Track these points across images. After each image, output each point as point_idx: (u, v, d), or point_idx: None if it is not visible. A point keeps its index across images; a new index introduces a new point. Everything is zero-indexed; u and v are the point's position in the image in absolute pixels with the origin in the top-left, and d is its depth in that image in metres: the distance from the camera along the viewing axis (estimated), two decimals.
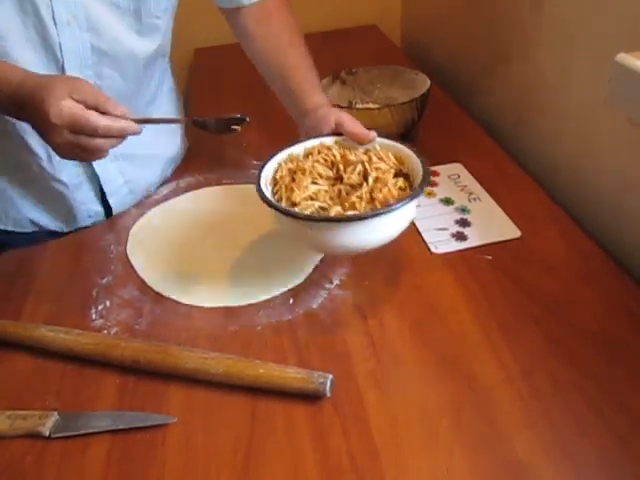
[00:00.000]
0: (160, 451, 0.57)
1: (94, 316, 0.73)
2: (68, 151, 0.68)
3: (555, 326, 0.67)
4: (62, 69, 0.78)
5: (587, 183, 0.88)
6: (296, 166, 0.70)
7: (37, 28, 0.74)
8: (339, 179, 0.69)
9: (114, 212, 0.94)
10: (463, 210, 0.86)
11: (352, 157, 0.70)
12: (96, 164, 0.89)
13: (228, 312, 0.73)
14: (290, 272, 0.78)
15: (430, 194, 0.91)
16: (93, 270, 0.81)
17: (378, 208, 0.63)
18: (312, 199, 0.66)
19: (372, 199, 0.65)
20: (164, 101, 1.00)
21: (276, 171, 0.71)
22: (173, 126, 1.05)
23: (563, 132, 0.94)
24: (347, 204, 0.65)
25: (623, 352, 0.63)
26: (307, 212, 0.64)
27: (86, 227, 0.93)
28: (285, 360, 0.65)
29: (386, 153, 0.70)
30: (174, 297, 0.76)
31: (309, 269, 0.78)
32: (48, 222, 0.93)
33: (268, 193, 0.66)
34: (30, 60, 0.75)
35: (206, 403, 0.62)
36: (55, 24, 0.75)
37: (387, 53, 1.49)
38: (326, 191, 0.67)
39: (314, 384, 0.59)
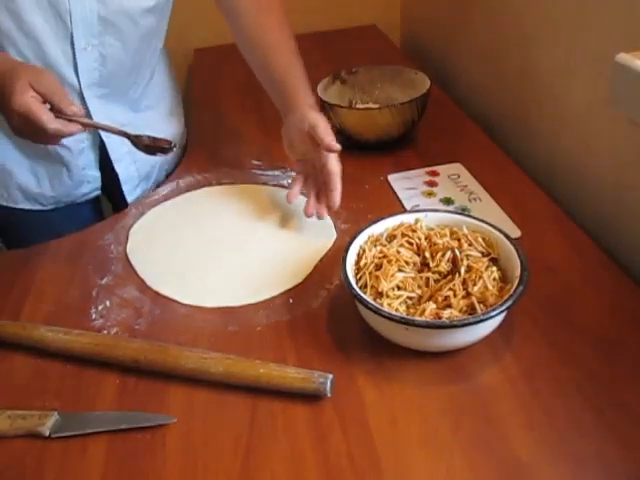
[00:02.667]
0: (160, 451, 0.57)
1: (94, 316, 0.73)
2: (22, 135, 0.74)
3: (555, 326, 0.67)
4: (71, 36, 0.82)
5: (587, 183, 0.88)
6: (380, 252, 0.67)
7: None
8: (426, 265, 0.67)
9: (121, 179, 0.99)
10: (463, 210, 0.86)
11: (439, 240, 0.68)
12: (101, 132, 0.93)
13: (228, 312, 0.73)
14: (290, 272, 0.78)
15: (430, 194, 0.91)
16: (93, 270, 0.81)
17: (475, 306, 0.61)
18: (399, 288, 0.65)
19: (467, 293, 0.63)
20: (159, 84, 1.04)
21: (359, 256, 0.68)
22: (172, 110, 1.10)
23: (563, 132, 0.94)
24: (439, 298, 0.63)
25: (623, 352, 0.63)
26: (398, 305, 0.63)
27: (79, 203, 1.01)
28: (285, 360, 0.65)
29: (475, 237, 0.68)
30: (174, 297, 0.76)
31: (309, 269, 0.78)
32: (44, 189, 0.96)
33: (355, 284, 0.63)
34: (40, 26, 0.80)
35: (206, 403, 0.62)
36: None
37: (387, 53, 1.49)
38: (413, 279, 0.65)
39: (314, 384, 0.59)
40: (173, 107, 1.11)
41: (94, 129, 0.82)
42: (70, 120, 0.72)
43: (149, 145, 0.80)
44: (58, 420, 0.60)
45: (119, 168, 0.98)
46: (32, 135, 0.73)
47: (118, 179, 1.00)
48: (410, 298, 0.65)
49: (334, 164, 0.80)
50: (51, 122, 0.70)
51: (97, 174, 0.99)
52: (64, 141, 0.86)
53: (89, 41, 0.84)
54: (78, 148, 0.93)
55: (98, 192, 1.03)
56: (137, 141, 0.80)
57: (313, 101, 0.85)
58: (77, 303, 0.76)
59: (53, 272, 0.82)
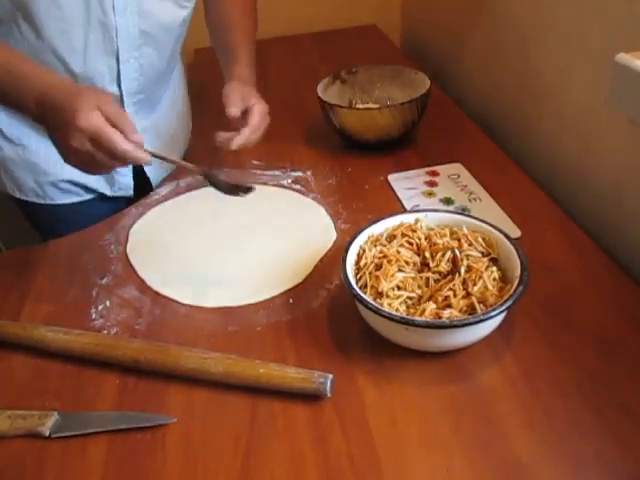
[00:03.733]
0: (160, 451, 0.57)
1: (94, 316, 0.73)
2: (77, 158, 0.68)
3: (555, 326, 0.67)
4: (116, 49, 0.87)
5: (587, 183, 0.88)
6: (380, 252, 0.67)
7: (99, 17, 0.82)
8: (426, 265, 0.67)
9: (154, 184, 1.04)
10: (463, 210, 0.86)
11: (439, 240, 0.68)
12: None
13: (228, 312, 0.73)
14: (290, 272, 0.78)
15: (430, 194, 0.91)
16: (93, 270, 0.81)
17: (475, 306, 0.61)
18: (399, 288, 0.65)
19: (467, 293, 0.63)
20: (175, 85, 1.09)
21: (359, 256, 0.68)
22: (185, 108, 1.14)
23: (563, 132, 0.94)
24: (439, 298, 0.63)
25: (623, 352, 0.63)
26: (398, 305, 0.63)
27: (110, 198, 1.02)
28: (285, 360, 0.65)
29: (475, 237, 0.68)
30: (174, 297, 0.76)
31: (309, 269, 0.78)
32: (90, 181, 0.99)
33: (355, 284, 0.63)
34: (90, 43, 0.84)
35: (206, 403, 0.62)
36: (114, 12, 0.83)
37: (387, 53, 1.49)
38: (413, 279, 0.65)
39: (314, 384, 0.59)
40: (186, 106, 1.14)
41: (160, 159, 0.76)
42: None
43: (231, 187, 0.80)
44: (58, 420, 0.60)
45: (150, 173, 1.03)
46: (90, 160, 0.67)
47: (148, 181, 1.03)
48: (410, 298, 0.65)
49: (255, 118, 0.87)
50: (123, 142, 0.66)
51: (130, 182, 1.02)
52: None
53: (131, 54, 0.88)
54: None
55: (130, 194, 1.03)
56: (215, 183, 0.80)
57: (247, 75, 0.94)
58: (77, 303, 0.76)
59: (53, 272, 0.82)
